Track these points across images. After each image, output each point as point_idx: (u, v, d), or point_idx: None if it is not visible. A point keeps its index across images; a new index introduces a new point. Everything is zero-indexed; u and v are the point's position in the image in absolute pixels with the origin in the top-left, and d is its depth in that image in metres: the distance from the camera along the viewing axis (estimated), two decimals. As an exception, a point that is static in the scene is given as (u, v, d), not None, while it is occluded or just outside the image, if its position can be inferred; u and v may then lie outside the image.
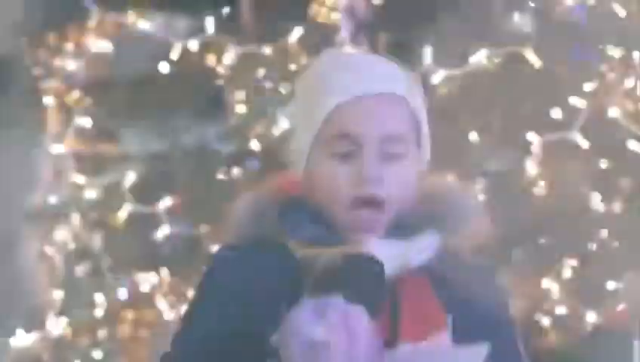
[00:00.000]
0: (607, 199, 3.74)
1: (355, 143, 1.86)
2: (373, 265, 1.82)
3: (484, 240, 1.94)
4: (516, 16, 3.75)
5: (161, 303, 3.91)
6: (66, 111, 3.92)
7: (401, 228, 1.89)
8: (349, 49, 3.55)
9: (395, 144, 1.87)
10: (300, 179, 1.93)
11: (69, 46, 3.97)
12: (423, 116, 1.92)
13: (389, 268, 1.85)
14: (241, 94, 3.76)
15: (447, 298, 1.89)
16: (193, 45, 3.90)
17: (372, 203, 1.85)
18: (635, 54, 3.47)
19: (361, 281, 1.79)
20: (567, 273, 3.63)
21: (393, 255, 1.85)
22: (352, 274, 1.80)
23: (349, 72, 1.90)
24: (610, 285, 3.65)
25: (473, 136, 3.63)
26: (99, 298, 3.93)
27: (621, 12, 3.48)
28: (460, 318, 1.88)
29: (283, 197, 1.90)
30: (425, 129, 1.92)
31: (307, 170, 1.90)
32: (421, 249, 1.89)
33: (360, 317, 1.68)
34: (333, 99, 1.87)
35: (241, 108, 3.73)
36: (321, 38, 3.71)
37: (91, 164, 4.01)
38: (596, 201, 3.72)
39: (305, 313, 1.67)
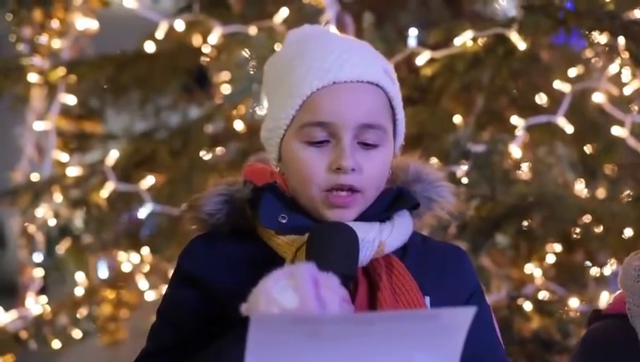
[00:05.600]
0: (590, 184, 3.74)
1: (331, 131, 1.85)
2: (345, 232, 1.81)
3: (455, 213, 1.95)
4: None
5: (142, 283, 3.89)
6: (50, 89, 3.91)
7: (376, 211, 1.89)
8: (331, 29, 3.54)
9: (371, 133, 1.86)
10: (268, 167, 1.94)
11: (55, 23, 3.96)
12: (399, 103, 1.92)
13: (367, 250, 1.85)
14: (225, 74, 3.75)
15: (421, 278, 1.89)
16: (179, 25, 3.89)
17: (349, 191, 1.85)
18: (620, 40, 3.46)
19: (333, 248, 1.78)
20: (550, 258, 3.62)
21: (370, 237, 1.85)
22: (324, 242, 1.79)
23: (326, 56, 1.87)
24: (593, 270, 3.65)
25: (457, 119, 3.62)
26: (79, 277, 3.91)
27: (606, -4, 3.47)
28: (436, 300, 1.89)
29: (252, 186, 1.90)
30: (400, 116, 1.92)
31: (282, 156, 1.90)
32: (397, 231, 1.89)
33: (330, 284, 1.67)
34: (310, 84, 1.85)
35: (225, 89, 3.72)
36: (306, 18, 3.70)
37: (75, 142, 4.00)
38: (580, 186, 3.71)
39: (274, 280, 1.66)
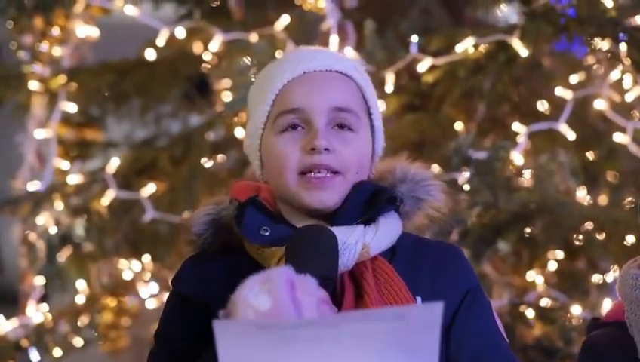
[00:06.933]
0: (592, 191, 3.73)
1: (304, 117, 1.89)
2: (322, 234, 1.81)
3: (445, 213, 1.95)
4: (503, 6, 3.75)
5: (143, 290, 3.89)
6: (51, 97, 3.90)
7: (353, 206, 1.89)
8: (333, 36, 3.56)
9: (345, 115, 1.90)
10: (254, 183, 1.97)
11: (55, 31, 3.96)
12: (372, 97, 1.96)
13: (350, 253, 1.86)
14: (226, 82, 3.75)
15: (413, 279, 1.89)
16: (179, 32, 3.89)
17: (326, 171, 1.87)
18: (622, 46, 3.46)
19: (311, 251, 1.79)
20: (552, 265, 3.62)
21: (351, 240, 1.86)
22: (302, 245, 1.80)
23: (299, 54, 1.97)
24: (596, 278, 3.64)
25: (459, 126, 3.62)
26: (80, 284, 3.91)
27: (608, 3, 3.47)
28: (429, 300, 1.88)
29: (237, 203, 1.93)
30: (375, 111, 1.96)
31: (262, 157, 1.94)
32: (382, 233, 1.90)
33: (306, 286, 1.66)
34: (283, 78, 1.92)
35: (226, 96, 3.72)
36: (307, 26, 3.71)
37: (75, 150, 4.00)
38: (582, 193, 3.71)
39: (250, 285, 1.66)
